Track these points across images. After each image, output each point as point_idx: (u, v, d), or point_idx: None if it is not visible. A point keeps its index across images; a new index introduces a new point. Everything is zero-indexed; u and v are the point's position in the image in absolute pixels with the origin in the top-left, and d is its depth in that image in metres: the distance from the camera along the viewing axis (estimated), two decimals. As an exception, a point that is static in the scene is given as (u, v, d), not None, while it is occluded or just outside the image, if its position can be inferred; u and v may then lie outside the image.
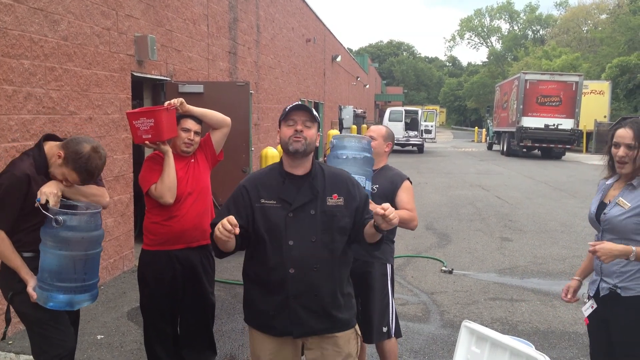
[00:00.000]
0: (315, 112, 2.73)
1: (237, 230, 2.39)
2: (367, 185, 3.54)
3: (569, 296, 3.33)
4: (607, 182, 3.17)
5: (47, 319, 3.08)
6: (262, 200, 2.65)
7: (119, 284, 6.57)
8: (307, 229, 2.62)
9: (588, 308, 3.20)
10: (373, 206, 2.65)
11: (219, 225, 2.40)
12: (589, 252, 3.24)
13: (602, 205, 3.12)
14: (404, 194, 3.71)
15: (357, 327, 2.86)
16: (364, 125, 29.14)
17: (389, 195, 3.69)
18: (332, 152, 3.62)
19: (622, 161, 2.97)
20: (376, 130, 3.92)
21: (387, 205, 2.44)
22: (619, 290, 2.99)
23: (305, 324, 2.65)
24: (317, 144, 2.75)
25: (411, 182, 3.81)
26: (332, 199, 2.67)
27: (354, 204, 2.71)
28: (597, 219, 3.10)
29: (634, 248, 2.83)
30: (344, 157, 3.50)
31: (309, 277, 2.61)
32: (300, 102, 2.76)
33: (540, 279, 6.98)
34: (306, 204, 2.64)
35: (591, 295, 3.16)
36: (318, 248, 2.62)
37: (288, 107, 2.70)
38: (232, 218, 2.40)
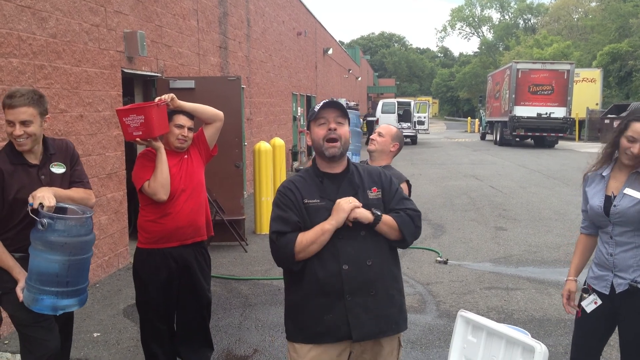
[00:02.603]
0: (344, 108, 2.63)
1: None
2: (354, 160, 3.52)
3: (572, 304, 3.22)
4: (603, 174, 3.08)
5: (30, 320, 3.07)
6: (306, 200, 2.57)
7: (114, 281, 6.55)
8: (355, 224, 2.53)
9: (591, 303, 3.08)
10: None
11: (351, 207, 2.48)
12: (577, 248, 3.25)
13: (607, 199, 3.02)
14: None
15: (401, 335, 2.77)
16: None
17: None
18: None
19: (636, 156, 2.90)
20: (385, 128, 3.85)
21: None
22: (639, 285, 2.91)
23: (364, 324, 2.53)
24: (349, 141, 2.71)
25: (410, 185, 3.77)
26: (372, 192, 2.63)
27: (387, 196, 2.67)
28: (606, 212, 2.99)
29: None
30: None
31: (364, 273, 2.53)
32: (330, 100, 2.64)
33: (535, 267, 7.01)
34: None
35: (604, 292, 3.05)
36: (368, 242, 2.56)
37: (317, 107, 2.60)
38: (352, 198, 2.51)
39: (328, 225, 2.48)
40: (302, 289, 2.59)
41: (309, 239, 2.49)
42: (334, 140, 2.55)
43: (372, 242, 2.57)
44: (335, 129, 2.55)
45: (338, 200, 2.51)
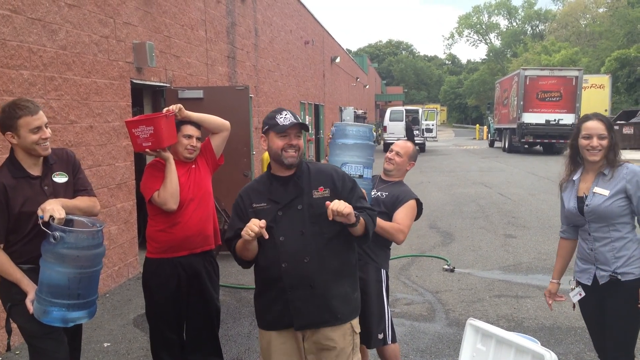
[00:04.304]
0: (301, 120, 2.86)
1: (264, 227, 2.60)
2: (366, 173, 3.55)
3: (550, 301, 3.60)
4: (573, 179, 3.38)
5: (40, 332, 3.07)
6: (254, 205, 2.82)
7: (124, 291, 6.58)
8: (296, 223, 2.77)
9: (576, 295, 3.41)
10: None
11: (246, 229, 2.61)
12: (558, 252, 3.59)
13: (579, 200, 3.31)
14: (402, 210, 3.70)
15: (353, 322, 2.91)
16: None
17: (393, 205, 3.72)
18: (333, 139, 3.63)
19: (594, 149, 3.21)
20: (403, 147, 3.87)
21: (329, 203, 2.62)
22: (619, 276, 3.18)
23: (304, 315, 2.76)
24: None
25: (419, 203, 3.79)
26: (318, 191, 2.81)
27: (338, 194, 2.82)
28: (581, 212, 3.29)
29: None
30: (344, 144, 3.51)
31: (301, 269, 2.75)
32: (294, 117, 2.84)
33: (545, 275, 6.97)
34: (293, 201, 2.79)
35: (587, 284, 3.33)
36: (307, 240, 2.76)
37: (282, 123, 2.79)
38: (256, 220, 2.62)
39: (243, 233, 2.65)
40: (258, 283, 2.92)
41: (239, 246, 2.78)
42: (293, 152, 2.78)
43: (311, 241, 2.77)
44: (296, 144, 2.79)
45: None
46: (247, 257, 2.81)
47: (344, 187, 2.84)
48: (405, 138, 28.26)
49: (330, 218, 2.60)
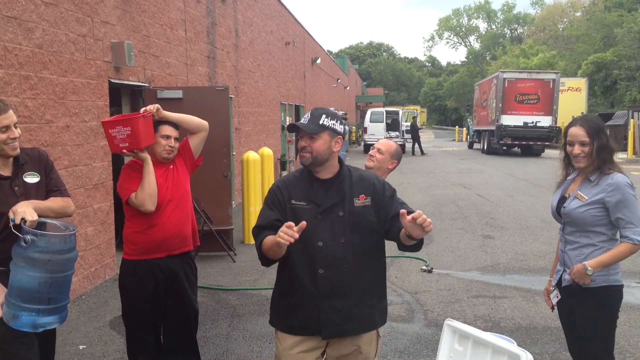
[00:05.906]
0: (321, 122, 2.70)
1: (297, 234, 2.40)
2: None
3: (550, 301, 3.51)
4: (568, 178, 3.39)
5: (10, 336, 3.00)
6: (293, 201, 2.72)
7: (101, 293, 6.50)
8: (336, 230, 2.69)
9: (554, 297, 3.42)
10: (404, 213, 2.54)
11: (281, 234, 2.39)
12: (557, 254, 3.51)
13: (562, 199, 3.34)
14: None
15: (380, 329, 2.91)
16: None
17: None
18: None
19: (578, 157, 3.20)
20: (385, 144, 3.82)
21: (418, 213, 2.42)
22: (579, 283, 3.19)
23: (334, 324, 2.70)
24: (335, 149, 2.75)
25: None
26: (359, 199, 2.74)
27: (379, 201, 2.77)
28: (558, 212, 3.32)
29: (585, 263, 3.11)
30: None
31: (337, 278, 2.68)
32: (303, 119, 2.76)
33: (522, 276, 7.05)
34: (334, 206, 2.71)
35: (554, 284, 3.41)
36: (347, 249, 2.69)
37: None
38: (291, 224, 2.41)
39: (280, 239, 2.41)
40: (285, 283, 2.80)
41: (268, 244, 2.61)
42: (304, 153, 2.72)
43: (350, 249, 2.70)
44: (306, 146, 2.70)
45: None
46: (273, 257, 2.67)
47: (384, 195, 2.78)
48: (412, 137, 28.45)
49: (407, 220, 2.41)
